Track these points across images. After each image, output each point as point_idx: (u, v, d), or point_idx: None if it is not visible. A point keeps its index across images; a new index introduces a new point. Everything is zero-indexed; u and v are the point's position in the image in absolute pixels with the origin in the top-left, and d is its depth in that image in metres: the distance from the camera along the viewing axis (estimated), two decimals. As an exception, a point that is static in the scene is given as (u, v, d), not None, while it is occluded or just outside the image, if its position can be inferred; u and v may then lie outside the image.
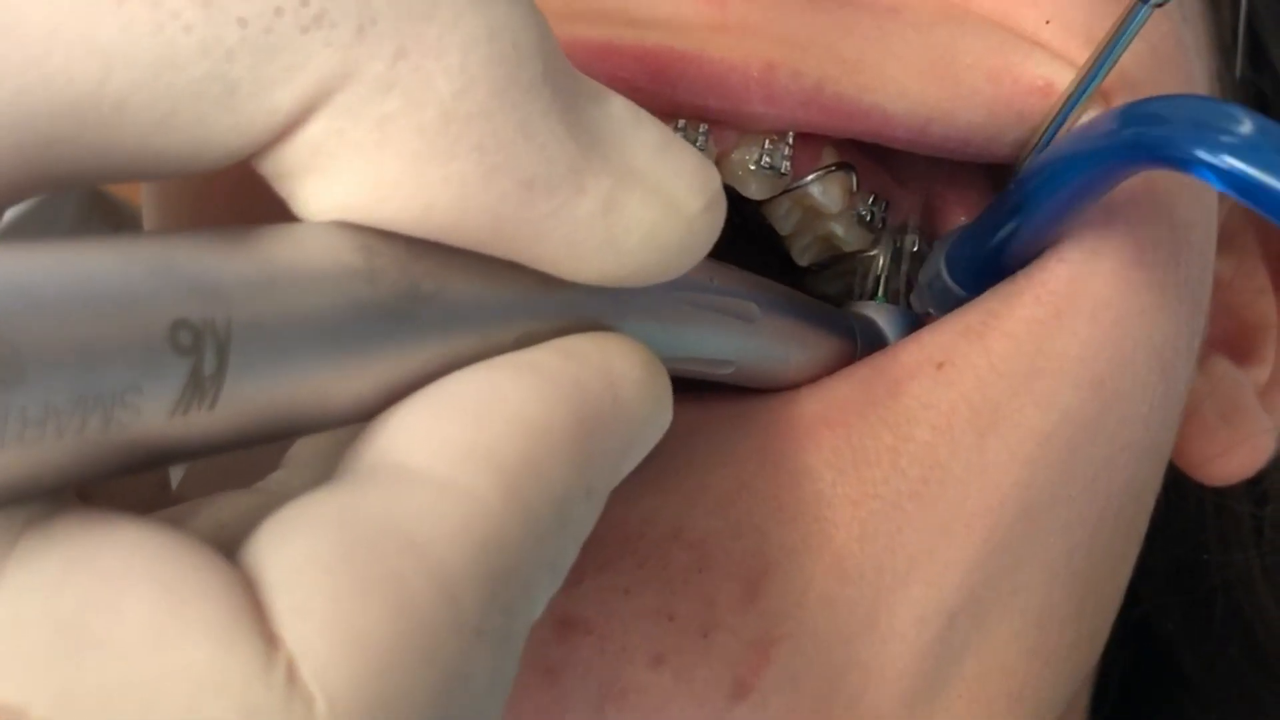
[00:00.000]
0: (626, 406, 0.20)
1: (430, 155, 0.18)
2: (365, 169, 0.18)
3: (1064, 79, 0.29)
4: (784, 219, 0.32)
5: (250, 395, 0.17)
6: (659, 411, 0.22)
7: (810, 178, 0.31)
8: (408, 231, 0.19)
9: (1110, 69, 0.28)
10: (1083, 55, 0.29)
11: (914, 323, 0.31)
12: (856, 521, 0.27)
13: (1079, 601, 0.31)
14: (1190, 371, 0.33)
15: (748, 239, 0.33)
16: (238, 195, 0.24)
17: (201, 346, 0.16)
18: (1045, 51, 0.30)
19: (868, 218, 0.32)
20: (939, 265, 0.31)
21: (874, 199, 0.32)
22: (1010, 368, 0.28)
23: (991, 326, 0.28)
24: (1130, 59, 0.30)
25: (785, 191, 0.31)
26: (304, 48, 0.17)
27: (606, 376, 0.20)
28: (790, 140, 0.30)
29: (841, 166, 0.31)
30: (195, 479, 0.24)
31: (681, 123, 0.29)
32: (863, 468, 0.27)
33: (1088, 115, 0.30)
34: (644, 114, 0.20)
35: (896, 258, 0.32)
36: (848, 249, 0.32)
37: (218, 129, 0.17)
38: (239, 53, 0.17)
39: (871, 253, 0.33)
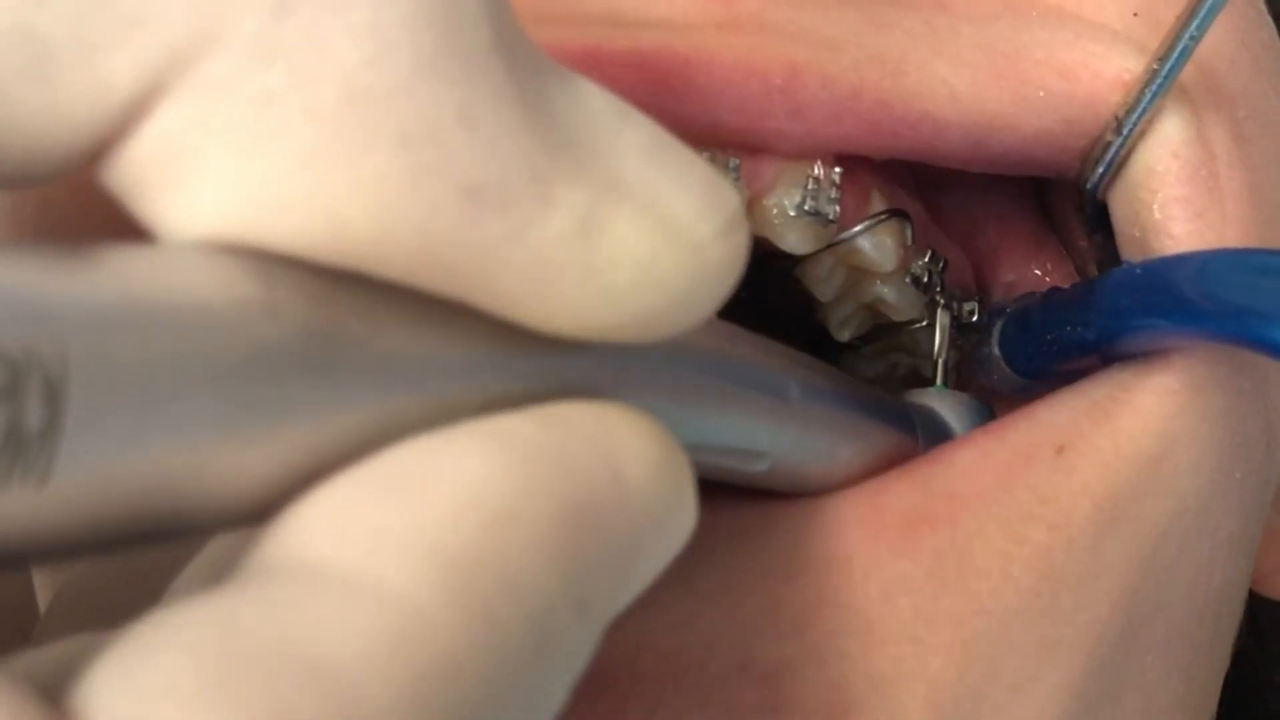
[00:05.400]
0: (633, 492, 0.15)
1: (331, 151, 0.13)
2: (242, 172, 0.14)
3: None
4: (825, 282, 0.25)
5: (99, 467, 0.13)
6: (678, 503, 0.16)
7: (859, 228, 0.25)
8: (314, 260, 0.14)
9: (1190, 52, 0.23)
10: None
11: (987, 417, 0.25)
12: (959, 644, 0.22)
13: None
14: None
15: (763, 308, 0.26)
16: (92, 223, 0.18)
17: (21, 388, 0.12)
18: (1131, 44, 0.25)
19: (923, 279, 0.26)
20: (991, 347, 0.26)
21: (931, 255, 0.26)
22: (1137, 450, 0.24)
23: (1121, 403, 0.24)
24: (1217, 51, 0.25)
25: (829, 246, 0.24)
26: None
27: (605, 452, 0.15)
28: (837, 179, 0.24)
29: (894, 214, 0.25)
30: (59, 620, 0.20)
31: (706, 155, 0.23)
32: (970, 577, 0.22)
33: (1169, 116, 0.24)
34: (629, 107, 0.15)
35: (955, 330, 0.26)
36: (897, 319, 0.26)
37: (30, 112, 0.13)
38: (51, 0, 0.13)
39: (922, 323, 0.26)
